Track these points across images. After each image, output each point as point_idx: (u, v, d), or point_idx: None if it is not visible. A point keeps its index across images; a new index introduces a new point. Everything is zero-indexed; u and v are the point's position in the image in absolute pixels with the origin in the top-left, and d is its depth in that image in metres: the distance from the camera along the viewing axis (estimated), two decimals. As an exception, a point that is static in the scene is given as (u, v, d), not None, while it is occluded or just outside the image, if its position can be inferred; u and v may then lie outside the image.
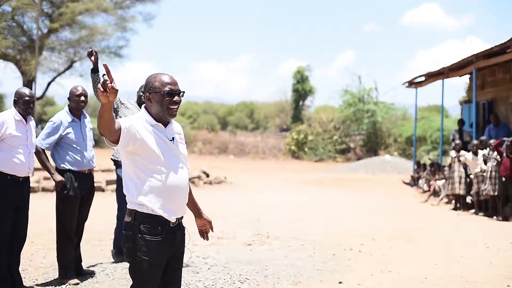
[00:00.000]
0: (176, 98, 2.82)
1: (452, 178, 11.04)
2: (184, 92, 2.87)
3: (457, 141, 11.47)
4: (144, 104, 2.88)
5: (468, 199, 10.98)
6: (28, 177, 4.75)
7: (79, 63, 23.93)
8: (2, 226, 4.50)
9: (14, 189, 4.55)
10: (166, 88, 2.79)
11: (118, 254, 5.70)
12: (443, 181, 12.57)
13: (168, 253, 2.83)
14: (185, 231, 2.96)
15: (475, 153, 10.47)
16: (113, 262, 5.72)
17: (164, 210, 2.78)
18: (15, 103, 4.67)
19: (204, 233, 3.20)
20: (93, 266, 5.53)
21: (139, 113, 2.87)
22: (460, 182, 10.90)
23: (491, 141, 10.33)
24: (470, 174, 10.73)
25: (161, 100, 2.79)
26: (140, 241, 2.74)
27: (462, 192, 10.86)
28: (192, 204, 3.11)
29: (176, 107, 2.83)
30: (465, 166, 10.96)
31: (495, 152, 9.91)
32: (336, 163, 28.25)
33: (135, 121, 2.77)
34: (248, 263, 5.81)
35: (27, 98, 4.64)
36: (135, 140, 2.71)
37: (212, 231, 3.23)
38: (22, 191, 4.65)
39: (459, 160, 10.90)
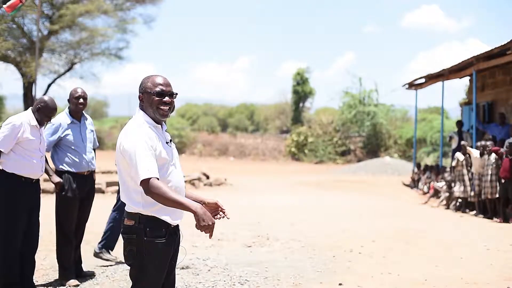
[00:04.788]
0: (166, 98, 2.84)
1: (463, 181, 10.93)
2: (176, 93, 2.89)
3: (464, 142, 11.41)
4: (139, 106, 2.90)
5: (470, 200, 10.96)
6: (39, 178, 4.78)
7: (79, 65, 23.97)
8: (15, 229, 4.53)
9: (28, 190, 4.61)
10: (157, 89, 2.82)
11: (101, 253, 5.71)
12: (443, 182, 12.57)
13: (171, 253, 2.87)
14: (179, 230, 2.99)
15: (482, 154, 10.40)
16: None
17: (172, 217, 2.81)
18: (38, 110, 4.64)
19: (220, 217, 3.04)
20: (94, 267, 5.53)
21: (139, 118, 2.85)
22: (470, 186, 10.84)
23: (489, 143, 10.31)
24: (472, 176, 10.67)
25: (152, 100, 2.82)
26: (146, 244, 2.75)
27: (471, 194, 10.79)
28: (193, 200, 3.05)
29: (167, 107, 2.85)
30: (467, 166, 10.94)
31: (493, 154, 9.90)
32: (336, 165, 28.22)
33: (152, 139, 2.76)
34: (248, 265, 5.81)
35: (52, 113, 4.67)
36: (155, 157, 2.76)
37: (224, 209, 3.03)
38: (35, 192, 4.71)
39: (469, 164, 10.79)
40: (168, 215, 2.79)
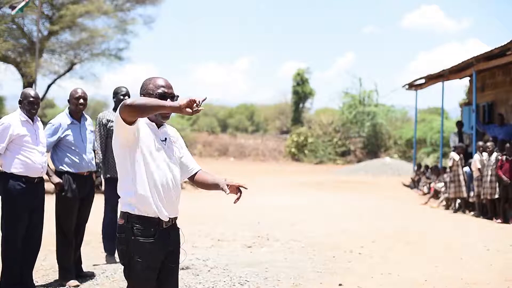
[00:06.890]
0: (168, 101, 2.83)
1: (458, 181, 10.95)
2: (178, 96, 2.88)
3: (460, 143, 11.43)
4: None
5: (470, 201, 10.96)
6: (42, 178, 4.76)
7: (80, 65, 23.95)
8: (16, 230, 4.53)
9: (29, 191, 4.59)
10: (159, 90, 2.83)
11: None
12: (443, 183, 12.56)
13: (162, 254, 2.83)
14: (180, 232, 2.96)
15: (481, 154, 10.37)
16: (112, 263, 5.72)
17: (157, 207, 2.77)
18: (20, 103, 4.70)
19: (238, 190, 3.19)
20: (94, 268, 5.53)
21: None
22: (465, 186, 10.86)
23: (488, 144, 10.30)
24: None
25: None
26: (134, 243, 2.75)
27: (467, 195, 10.83)
28: (212, 183, 3.11)
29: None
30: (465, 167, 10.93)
31: (494, 154, 9.89)
32: (336, 166, 28.23)
33: (142, 124, 2.82)
34: (248, 265, 5.81)
35: (31, 99, 4.67)
36: (137, 132, 2.74)
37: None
38: (37, 193, 4.69)
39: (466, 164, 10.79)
40: (156, 206, 2.76)
